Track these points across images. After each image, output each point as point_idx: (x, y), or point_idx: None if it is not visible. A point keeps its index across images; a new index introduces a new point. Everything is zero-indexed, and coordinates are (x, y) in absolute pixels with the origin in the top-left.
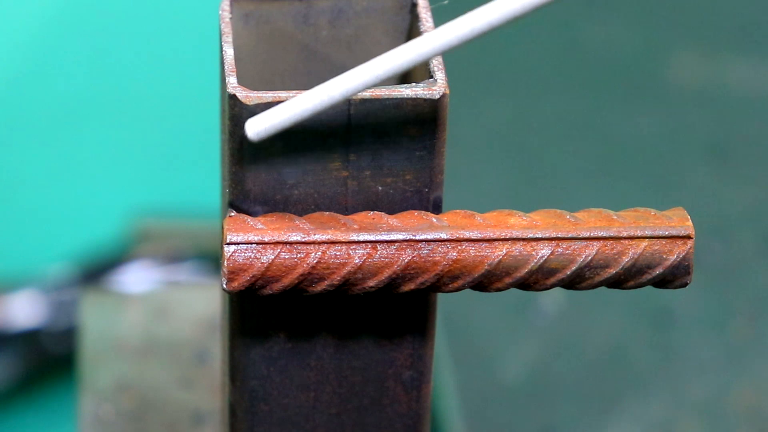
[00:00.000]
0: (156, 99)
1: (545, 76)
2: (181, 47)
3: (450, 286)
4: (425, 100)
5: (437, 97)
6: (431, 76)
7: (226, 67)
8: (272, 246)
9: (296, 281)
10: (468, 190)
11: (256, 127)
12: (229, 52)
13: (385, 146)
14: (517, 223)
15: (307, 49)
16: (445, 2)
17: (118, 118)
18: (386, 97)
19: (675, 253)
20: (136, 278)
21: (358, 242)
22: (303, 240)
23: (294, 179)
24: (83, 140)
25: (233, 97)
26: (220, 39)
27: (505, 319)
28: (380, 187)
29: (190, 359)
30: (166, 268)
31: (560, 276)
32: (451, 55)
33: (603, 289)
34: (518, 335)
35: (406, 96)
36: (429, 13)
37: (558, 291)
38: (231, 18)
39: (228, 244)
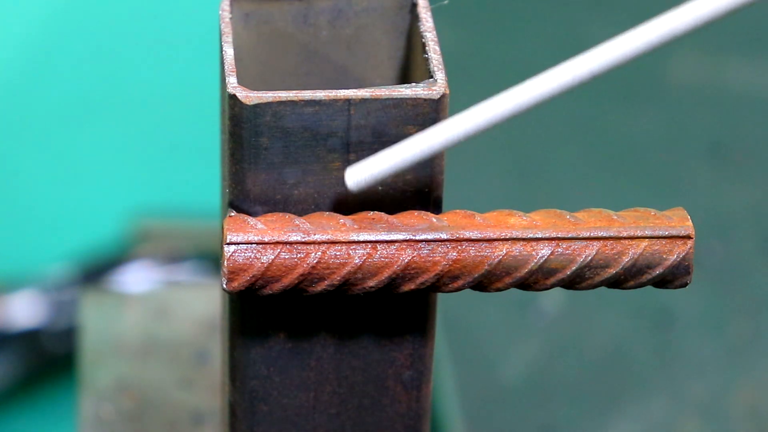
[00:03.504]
0: (156, 99)
1: None
2: (181, 47)
3: (450, 286)
4: (425, 100)
5: (437, 97)
6: (431, 76)
7: (226, 67)
8: (272, 246)
9: (296, 281)
10: (468, 190)
11: (355, 177)
12: (229, 52)
13: (385, 146)
14: (517, 223)
15: (307, 49)
16: (445, 2)
17: (118, 118)
18: (386, 97)
19: (675, 253)
20: (136, 278)
21: (358, 242)
22: (303, 240)
23: (294, 179)
24: (83, 140)
25: (233, 97)
26: (220, 39)
27: (505, 319)
28: (380, 187)
29: (190, 359)
30: (166, 268)
31: (560, 276)
32: (451, 55)
33: (603, 289)
34: (518, 335)
35: (406, 96)
36: (429, 13)
37: (558, 291)
38: (231, 18)
39: (228, 244)
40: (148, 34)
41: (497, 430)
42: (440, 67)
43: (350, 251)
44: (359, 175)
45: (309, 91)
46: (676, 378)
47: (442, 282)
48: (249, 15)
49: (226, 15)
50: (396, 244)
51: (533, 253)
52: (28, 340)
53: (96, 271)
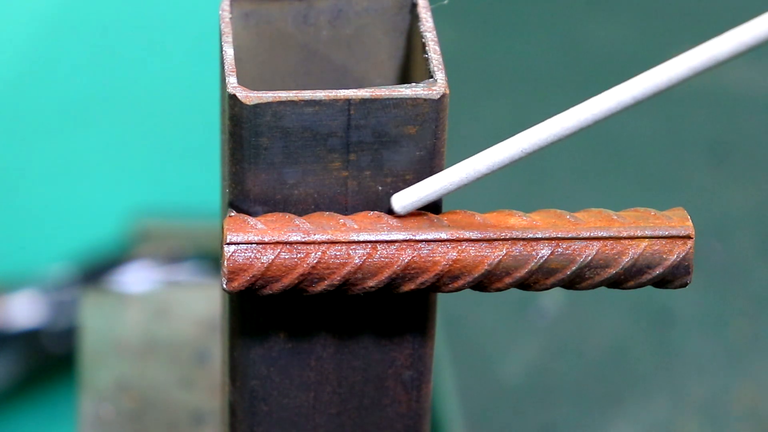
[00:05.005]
0: (156, 99)
1: (545, 76)
2: (181, 47)
3: (450, 286)
4: (425, 100)
5: (437, 97)
6: (431, 76)
7: (226, 67)
8: (272, 246)
9: (296, 281)
10: (468, 190)
11: (402, 202)
12: (229, 52)
13: (385, 146)
14: (517, 223)
15: (307, 49)
16: (445, 2)
17: (118, 118)
18: (386, 97)
19: (675, 253)
20: (136, 278)
21: (358, 242)
22: (303, 240)
23: (294, 179)
24: (83, 140)
25: (233, 97)
26: (220, 39)
27: (505, 319)
28: (380, 187)
29: (190, 359)
30: (166, 268)
31: (560, 276)
32: (451, 55)
33: (603, 289)
34: (518, 335)
35: (406, 96)
36: (429, 13)
37: (558, 291)
38: (231, 18)
39: (228, 244)
40: (148, 35)
41: (497, 430)
42: (440, 67)
43: (350, 251)
44: (406, 200)
45: (309, 91)
46: (676, 378)
47: (442, 282)
48: (249, 15)
49: (226, 15)
50: (396, 244)
51: (533, 253)
52: (28, 340)
53: (96, 271)
